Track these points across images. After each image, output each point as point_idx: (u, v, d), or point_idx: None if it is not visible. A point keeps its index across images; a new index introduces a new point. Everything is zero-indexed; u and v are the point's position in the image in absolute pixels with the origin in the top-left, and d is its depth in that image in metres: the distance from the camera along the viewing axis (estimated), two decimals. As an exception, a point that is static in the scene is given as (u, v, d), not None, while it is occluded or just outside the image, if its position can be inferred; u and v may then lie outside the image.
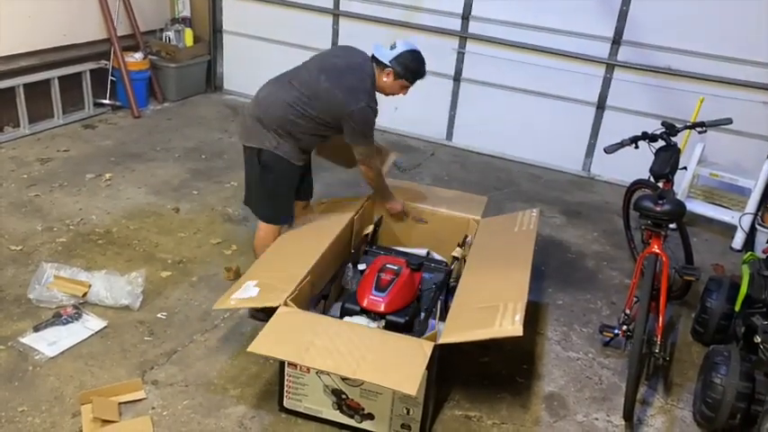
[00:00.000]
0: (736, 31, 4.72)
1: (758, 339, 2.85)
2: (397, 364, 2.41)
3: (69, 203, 4.27)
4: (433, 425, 2.78)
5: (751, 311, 3.07)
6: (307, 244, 3.16)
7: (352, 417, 2.66)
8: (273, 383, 2.90)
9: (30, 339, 3.03)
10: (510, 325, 2.47)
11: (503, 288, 2.81)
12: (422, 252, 3.58)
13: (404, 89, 3.27)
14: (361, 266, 3.24)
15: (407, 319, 2.83)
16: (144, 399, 2.77)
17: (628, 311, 3.26)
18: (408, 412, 2.59)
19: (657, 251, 3.09)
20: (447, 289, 3.18)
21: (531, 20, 5.28)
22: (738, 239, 4.44)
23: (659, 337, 3.02)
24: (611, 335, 3.27)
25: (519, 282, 2.82)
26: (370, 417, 2.64)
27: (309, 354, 2.41)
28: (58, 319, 3.16)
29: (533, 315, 3.59)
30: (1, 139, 5.06)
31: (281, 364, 2.67)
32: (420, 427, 2.62)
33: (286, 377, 2.68)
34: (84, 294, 3.29)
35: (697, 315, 3.45)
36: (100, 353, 3.02)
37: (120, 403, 2.71)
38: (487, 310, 2.61)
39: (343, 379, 2.58)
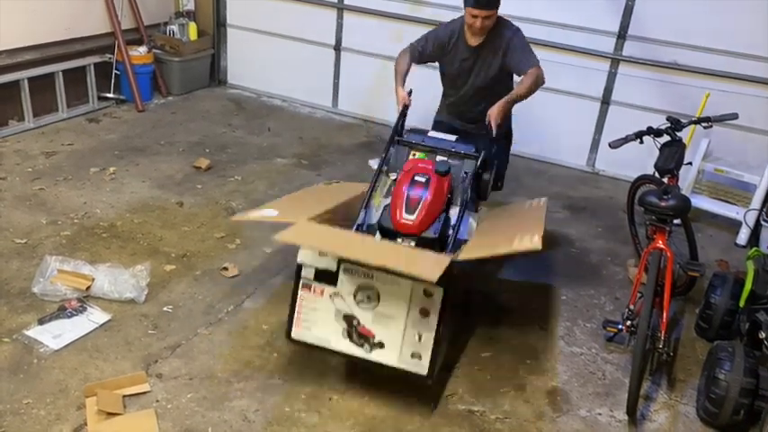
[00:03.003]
0: (742, 25, 4.69)
1: (762, 335, 2.85)
2: (421, 261, 2.47)
3: (74, 197, 4.28)
4: (438, 369, 2.74)
5: (755, 307, 3.07)
6: (323, 198, 3.28)
7: (361, 346, 2.61)
8: (277, 376, 2.91)
9: (34, 332, 3.04)
10: (529, 242, 2.47)
11: (519, 227, 2.88)
12: (451, 138, 3.52)
13: (473, 19, 3.43)
14: (393, 176, 3.32)
15: (438, 234, 2.94)
16: (148, 392, 2.78)
17: (632, 307, 3.26)
18: (420, 338, 2.53)
19: (662, 247, 3.08)
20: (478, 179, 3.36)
21: (536, 14, 5.25)
22: (743, 235, 4.43)
23: (663, 332, 3.02)
24: (615, 330, 3.26)
25: (535, 220, 2.92)
26: (381, 345, 2.58)
27: (337, 244, 2.48)
28: (62, 312, 3.16)
29: (537, 310, 3.59)
30: (6, 132, 5.07)
31: (294, 291, 2.67)
32: (430, 358, 2.57)
33: (299, 301, 2.65)
34: (88, 288, 3.29)
35: (701, 311, 3.44)
36: (104, 346, 3.03)
37: (124, 396, 2.72)
38: (506, 235, 2.69)
39: (358, 302, 2.57)
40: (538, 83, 3.45)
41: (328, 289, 2.60)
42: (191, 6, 6.39)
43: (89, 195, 4.32)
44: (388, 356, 2.59)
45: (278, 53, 6.32)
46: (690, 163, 4.35)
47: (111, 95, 5.84)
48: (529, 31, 5.27)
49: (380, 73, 5.96)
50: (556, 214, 4.70)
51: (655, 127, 3.54)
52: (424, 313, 2.50)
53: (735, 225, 4.51)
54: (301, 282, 2.65)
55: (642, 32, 5.01)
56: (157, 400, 2.74)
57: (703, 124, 3.62)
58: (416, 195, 2.98)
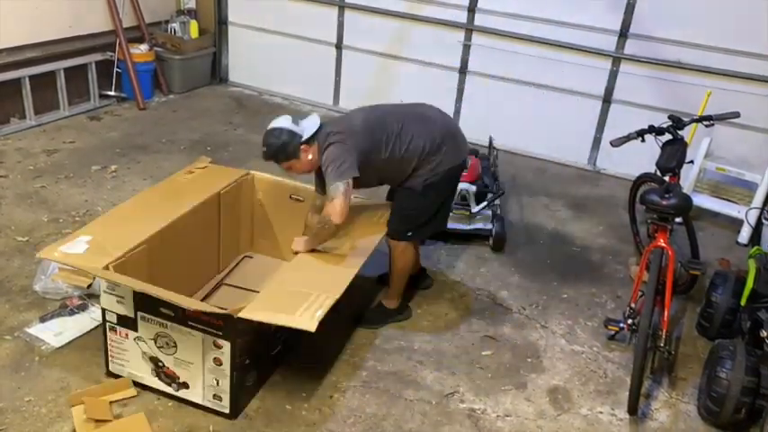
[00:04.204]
0: (744, 23, 4.68)
1: (764, 334, 2.85)
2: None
3: (75, 195, 4.28)
4: (248, 403, 2.76)
5: (757, 306, 3.07)
6: (164, 207, 3.10)
7: (169, 385, 2.73)
8: (278, 374, 2.91)
9: (36, 330, 3.04)
10: (309, 318, 2.44)
11: (325, 277, 2.77)
12: None
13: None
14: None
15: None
16: (134, 396, 2.74)
17: (633, 305, 3.26)
18: (218, 383, 2.63)
19: (663, 245, 3.08)
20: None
21: (538, 12, 5.25)
22: (744, 234, 4.42)
23: (664, 331, 3.02)
24: (616, 329, 3.26)
25: (342, 276, 2.75)
26: (186, 386, 2.70)
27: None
28: (64, 309, 3.17)
29: (538, 308, 3.59)
30: (7, 130, 5.07)
31: (104, 330, 2.76)
32: (231, 398, 2.65)
33: (108, 342, 2.78)
34: (89, 286, 3.28)
35: (702, 309, 3.44)
36: (105, 344, 3.03)
37: (111, 402, 2.68)
38: (299, 295, 2.57)
39: (158, 347, 2.66)
40: (328, 223, 2.88)
41: (132, 333, 2.70)
42: (192, 4, 6.39)
43: (90, 193, 4.32)
44: (193, 395, 2.71)
45: (279, 51, 6.32)
46: (691, 161, 4.35)
47: (112, 93, 5.84)
48: (531, 29, 5.33)
49: (382, 71, 5.96)
50: (557, 213, 4.70)
51: (656, 125, 3.53)
52: (218, 362, 2.58)
53: (736, 224, 4.51)
54: (107, 325, 2.75)
55: (643, 30, 5.00)
56: (158, 398, 2.75)
57: (705, 123, 3.61)
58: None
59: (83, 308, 3.19)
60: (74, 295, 3.25)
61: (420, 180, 3.10)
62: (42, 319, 3.11)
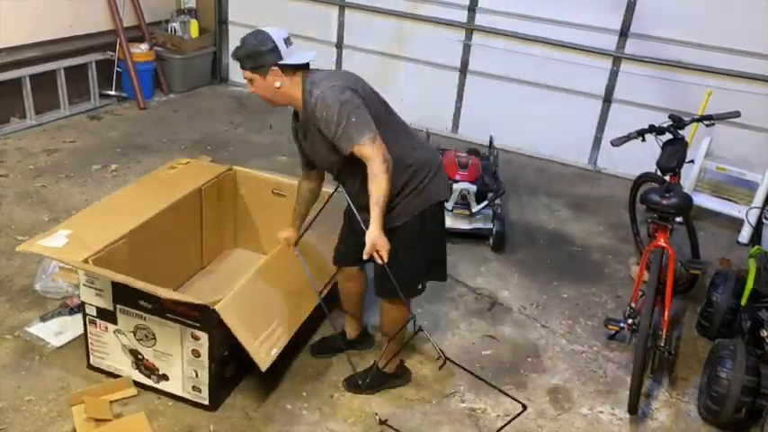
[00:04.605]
0: (745, 23, 4.68)
1: (764, 333, 2.85)
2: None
3: (75, 194, 4.28)
4: (228, 395, 2.78)
5: (757, 306, 3.07)
6: (145, 202, 3.07)
7: (149, 377, 2.74)
8: (279, 373, 2.92)
9: (36, 329, 3.05)
10: (265, 354, 2.53)
11: (291, 298, 2.77)
12: None
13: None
14: None
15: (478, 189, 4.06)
16: (134, 395, 2.74)
17: (633, 305, 3.26)
18: (197, 375, 2.65)
19: (664, 245, 3.08)
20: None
21: (538, 11, 5.25)
22: (745, 234, 4.42)
23: (664, 330, 3.02)
24: (617, 328, 3.26)
25: (302, 307, 2.79)
26: (166, 377, 2.71)
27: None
28: (64, 309, 3.17)
29: (538, 308, 3.59)
30: (7, 130, 5.07)
31: (84, 323, 2.76)
32: (210, 390, 2.66)
33: (89, 336, 2.78)
34: (90, 285, 3.29)
35: (702, 309, 3.44)
36: (106, 343, 3.02)
37: (111, 402, 2.68)
38: (265, 315, 2.62)
39: (138, 340, 2.67)
40: (383, 169, 2.34)
41: (111, 326, 2.71)
42: (192, 4, 6.40)
43: (91, 193, 4.32)
44: (173, 387, 2.73)
45: (279, 51, 6.31)
46: (692, 161, 4.35)
47: (112, 93, 5.84)
48: (531, 28, 5.32)
49: (382, 70, 5.96)
50: (557, 212, 4.70)
51: (657, 125, 3.53)
52: (196, 354, 2.60)
53: (737, 223, 4.51)
54: (87, 318, 2.75)
55: (644, 30, 5.00)
56: (159, 398, 2.75)
57: (705, 122, 3.61)
58: (464, 161, 4.23)
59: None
60: (74, 294, 3.24)
61: (416, 204, 2.55)
62: (43, 319, 3.11)
